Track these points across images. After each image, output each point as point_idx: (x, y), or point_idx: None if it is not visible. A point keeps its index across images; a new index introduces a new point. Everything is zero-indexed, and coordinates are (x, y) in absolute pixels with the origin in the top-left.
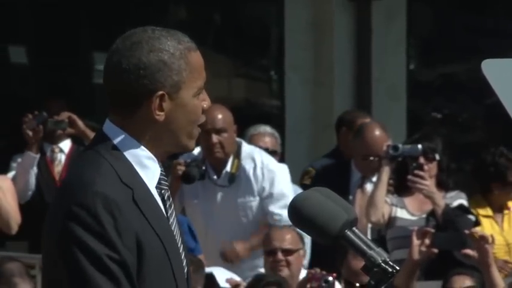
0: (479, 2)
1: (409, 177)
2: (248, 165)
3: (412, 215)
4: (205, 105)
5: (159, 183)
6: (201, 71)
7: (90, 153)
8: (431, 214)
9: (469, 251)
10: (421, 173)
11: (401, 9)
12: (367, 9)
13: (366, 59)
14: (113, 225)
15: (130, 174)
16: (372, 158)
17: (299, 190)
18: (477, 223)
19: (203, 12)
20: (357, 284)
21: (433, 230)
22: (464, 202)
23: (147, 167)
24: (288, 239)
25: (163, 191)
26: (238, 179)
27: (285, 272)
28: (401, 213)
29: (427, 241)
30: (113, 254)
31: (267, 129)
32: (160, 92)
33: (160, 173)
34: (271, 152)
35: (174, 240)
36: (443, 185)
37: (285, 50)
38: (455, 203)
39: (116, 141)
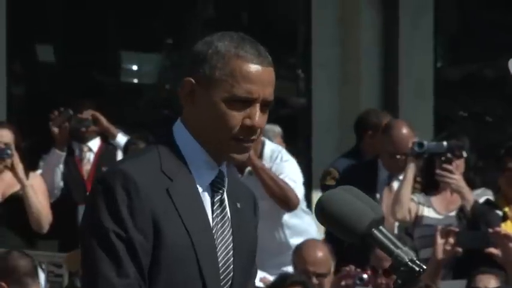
0: (507, 0)
1: (437, 171)
2: (267, 164)
3: (439, 213)
4: (247, 122)
5: (213, 185)
6: (243, 82)
7: (148, 145)
8: (461, 211)
9: (493, 250)
10: (449, 167)
11: (428, 7)
12: (394, 6)
13: (393, 57)
14: (127, 203)
15: (176, 167)
16: (398, 157)
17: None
18: (505, 218)
19: (230, 9)
20: (379, 270)
21: (457, 229)
22: (491, 198)
23: (200, 168)
24: (321, 261)
25: (215, 194)
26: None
27: None
28: (428, 212)
29: (451, 240)
30: (120, 231)
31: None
32: (188, 79)
33: (218, 177)
34: None
35: (212, 239)
36: (470, 183)
37: (311, 48)
38: (482, 199)
39: (177, 137)
